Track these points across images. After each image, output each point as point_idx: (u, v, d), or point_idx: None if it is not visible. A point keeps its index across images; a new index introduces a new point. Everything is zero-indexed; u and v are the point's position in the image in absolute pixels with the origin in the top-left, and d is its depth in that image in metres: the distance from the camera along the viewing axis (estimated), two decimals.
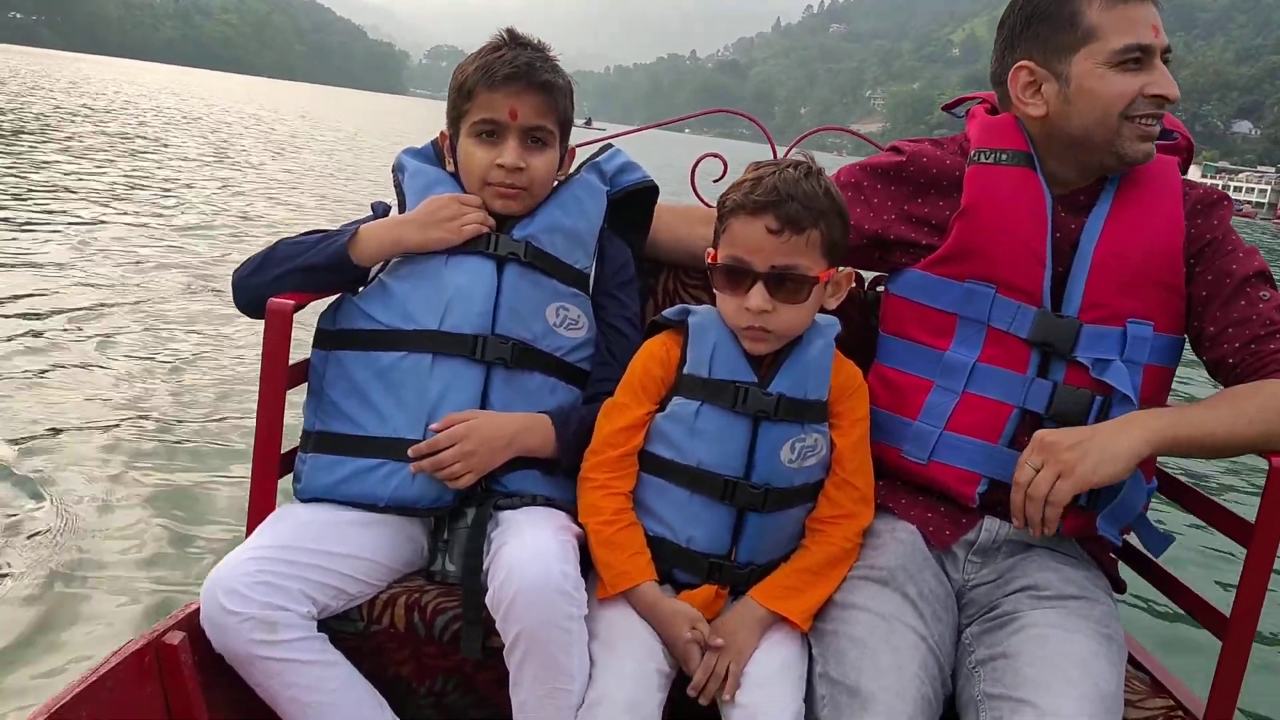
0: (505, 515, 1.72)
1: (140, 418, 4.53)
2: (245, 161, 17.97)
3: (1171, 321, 1.76)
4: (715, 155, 2.31)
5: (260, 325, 1.80)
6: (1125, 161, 1.74)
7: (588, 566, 1.66)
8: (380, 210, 1.96)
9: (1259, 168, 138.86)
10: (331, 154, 22.88)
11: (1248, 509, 1.68)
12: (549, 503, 1.76)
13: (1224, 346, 1.73)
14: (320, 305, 1.89)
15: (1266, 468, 1.63)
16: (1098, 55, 1.71)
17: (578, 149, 2.00)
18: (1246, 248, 1.77)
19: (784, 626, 1.65)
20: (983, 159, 1.81)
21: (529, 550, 1.58)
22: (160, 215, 10.48)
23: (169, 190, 12.68)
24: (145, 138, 19.98)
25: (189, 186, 13.38)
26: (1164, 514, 1.77)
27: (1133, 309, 1.73)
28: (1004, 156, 1.80)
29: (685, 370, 1.71)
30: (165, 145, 19.07)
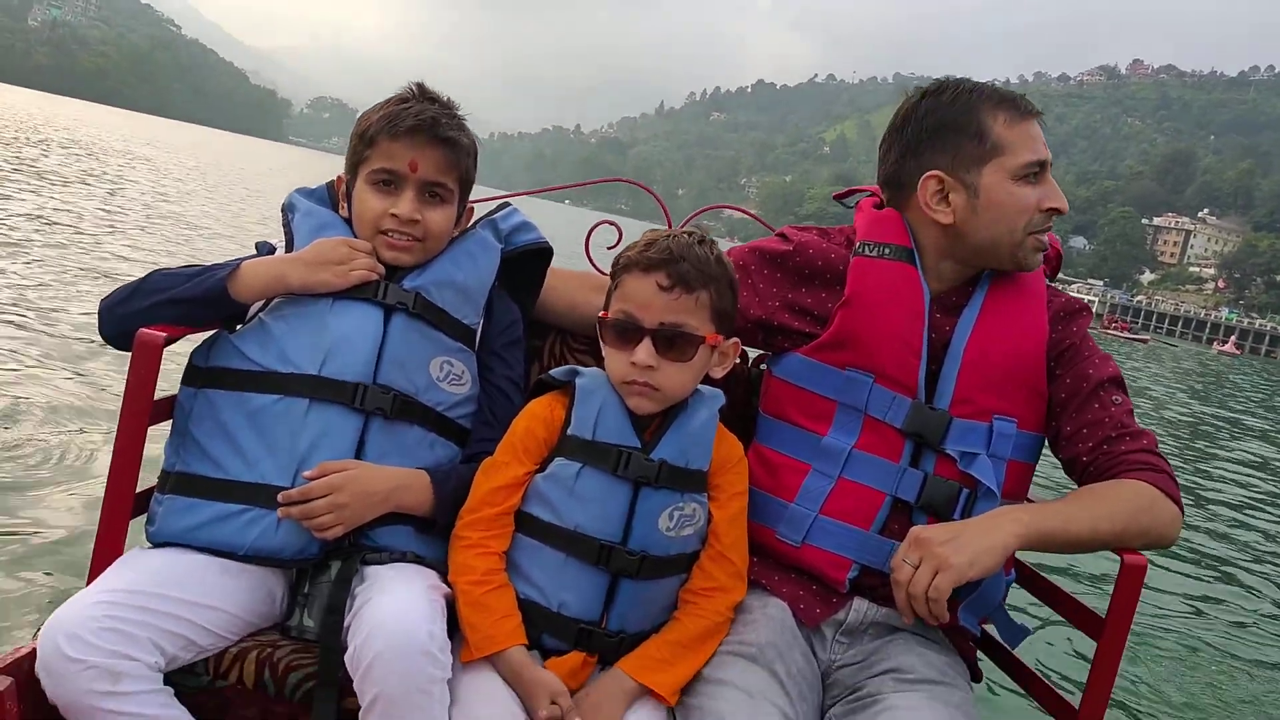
0: (372, 570, 1.66)
1: None
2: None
3: (1034, 420, 1.85)
4: (611, 223, 2.33)
5: (125, 358, 1.70)
6: (1022, 268, 1.84)
7: (453, 627, 1.61)
8: (265, 250, 1.89)
9: (1089, 279, 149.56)
10: None
11: (1100, 600, 1.74)
12: (419, 560, 1.71)
13: (1079, 446, 1.82)
14: (193, 340, 1.81)
15: (1119, 563, 1.70)
16: (1006, 168, 1.79)
17: (475, 206, 1.99)
18: (1102, 354, 1.88)
19: (650, 700, 1.63)
20: (867, 252, 1.88)
21: (396, 608, 1.52)
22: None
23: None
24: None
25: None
26: (1021, 605, 1.81)
27: (998, 406, 1.81)
28: (887, 251, 1.86)
29: (569, 431, 1.70)
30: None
